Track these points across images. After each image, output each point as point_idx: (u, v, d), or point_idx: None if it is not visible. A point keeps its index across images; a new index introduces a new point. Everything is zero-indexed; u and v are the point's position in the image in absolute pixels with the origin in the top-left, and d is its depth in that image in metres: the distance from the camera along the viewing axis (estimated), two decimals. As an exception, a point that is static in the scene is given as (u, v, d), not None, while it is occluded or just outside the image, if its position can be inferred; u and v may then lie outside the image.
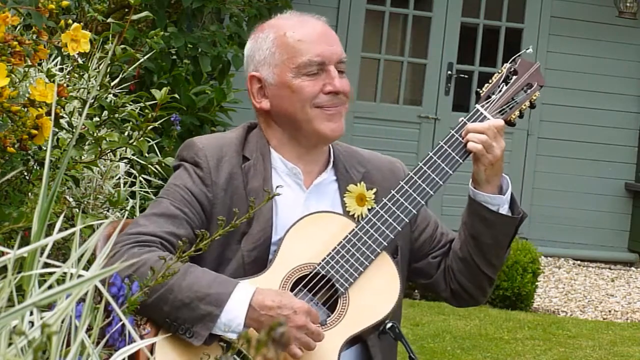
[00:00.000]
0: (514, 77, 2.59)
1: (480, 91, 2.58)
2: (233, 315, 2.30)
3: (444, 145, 2.53)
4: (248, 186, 2.50)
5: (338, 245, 2.46)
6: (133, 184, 4.34)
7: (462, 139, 2.53)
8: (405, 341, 2.44)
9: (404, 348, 2.46)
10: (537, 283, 7.37)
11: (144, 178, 4.41)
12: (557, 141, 9.45)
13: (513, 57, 2.62)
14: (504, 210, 2.56)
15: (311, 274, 2.44)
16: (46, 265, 1.62)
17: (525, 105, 2.59)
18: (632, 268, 9.43)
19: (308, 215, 2.49)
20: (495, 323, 6.66)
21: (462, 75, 9.48)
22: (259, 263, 2.45)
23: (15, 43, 2.54)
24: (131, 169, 4.29)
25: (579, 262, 9.37)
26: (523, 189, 9.35)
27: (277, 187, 2.43)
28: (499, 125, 2.52)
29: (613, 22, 9.45)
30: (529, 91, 2.59)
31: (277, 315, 2.31)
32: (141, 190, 4.36)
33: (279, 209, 2.51)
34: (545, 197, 9.45)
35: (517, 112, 2.58)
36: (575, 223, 9.55)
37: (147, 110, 3.42)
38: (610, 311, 7.63)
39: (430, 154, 2.53)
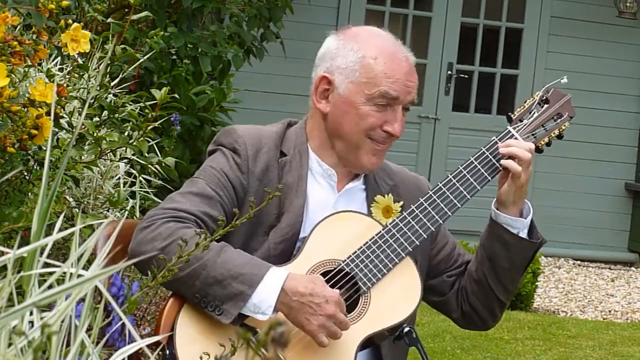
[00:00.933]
0: (546, 106, 2.66)
1: (512, 114, 2.65)
2: (264, 296, 2.33)
3: (474, 161, 2.58)
4: (282, 180, 2.53)
5: (364, 245, 2.49)
6: (133, 184, 4.34)
7: (494, 157, 2.58)
8: (421, 347, 2.46)
9: (419, 354, 2.47)
10: (537, 283, 7.37)
11: (144, 178, 4.41)
12: (557, 141, 9.43)
13: (546, 86, 2.69)
14: (524, 234, 2.61)
15: (335, 270, 2.47)
16: (46, 265, 1.62)
17: (553, 134, 2.66)
18: (632, 268, 9.43)
19: (336, 212, 2.53)
20: (495, 323, 6.65)
21: (462, 75, 9.48)
22: (284, 256, 2.49)
23: (15, 43, 2.54)
24: (131, 169, 4.29)
25: (579, 262, 9.37)
26: (523, 189, 9.34)
27: (279, 186, 2.44)
28: (533, 151, 2.60)
29: (613, 22, 9.45)
30: (558, 120, 2.66)
31: (309, 302, 2.34)
32: (141, 190, 4.36)
33: (309, 207, 2.55)
34: (545, 197, 9.45)
35: (545, 140, 2.66)
36: (575, 223, 9.55)
37: (147, 110, 3.42)
38: (610, 311, 7.63)
39: (460, 167, 2.58)
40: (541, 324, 6.76)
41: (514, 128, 2.62)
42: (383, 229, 2.51)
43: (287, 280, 2.35)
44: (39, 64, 3.05)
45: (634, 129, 9.66)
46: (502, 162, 2.56)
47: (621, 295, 8.16)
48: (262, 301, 2.32)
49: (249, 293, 2.31)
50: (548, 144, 2.67)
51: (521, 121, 2.63)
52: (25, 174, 2.92)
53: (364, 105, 2.53)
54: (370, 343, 2.48)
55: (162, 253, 2.28)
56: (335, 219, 2.51)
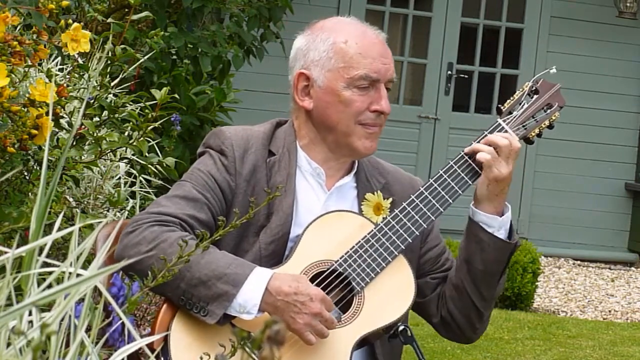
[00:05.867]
0: (535, 96, 2.63)
1: (502, 106, 2.63)
2: (249, 296, 2.32)
3: (465, 155, 2.56)
4: (271, 180, 2.52)
5: (356, 244, 2.48)
6: (133, 184, 4.35)
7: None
8: (416, 345, 2.45)
9: (414, 353, 2.46)
10: (537, 283, 7.37)
11: (144, 178, 4.41)
12: (557, 141, 9.45)
13: (535, 77, 2.67)
14: (500, 234, 2.56)
15: (328, 271, 2.46)
16: (45, 264, 1.62)
17: (544, 124, 2.63)
18: (632, 268, 9.43)
19: (328, 213, 2.51)
20: (495, 323, 6.66)
21: (462, 75, 9.48)
22: (275, 257, 2.47)
23: (15, 43, 2.54)
24: (131, 169, 4.29)
25: (579, 262, 9.37)
26: (523, 189, 9.35)
27: (278, 187, 2.44)
28: (516, 146, 2.53)
29: (613, 22, 9.45)
30: (549, 111, 2.64)
31: (293, 301, 2.33)
32: (141, 190, 4.36)
33: (299, 206, 2.53)
34: (545, 197, 9.45)
35: (536, 131, 2.62)
36: (575, 223, 9.55)
37: (147, 110, 3.42)
38: (610, 311, 7.63)
39: (451, 162, 2.56)
40: (541, 324, 6.76)
41: (504, 120, 2.59)
42: (375, 228, 2.49)
43: (271, 280, 2.34)
44: (39, 64, 3.05)
45: (634, 129, 9.66)
46: (478, 154, 2.52)
47: (621, 295, 8.16)
48: (247, 301, 2.31)
49: (233, 293, 2.31)
50: (539, 135, 2.63)
51: (511, 113, 2.60)
52: (25, 174, 2.92)
53: (345, 91, 2.51)
54: (365, 342, 2.47)
55: (147, 257, 2.28)
56: (327, 218, 2.50)
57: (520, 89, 2.64)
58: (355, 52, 2.52)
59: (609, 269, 9.27)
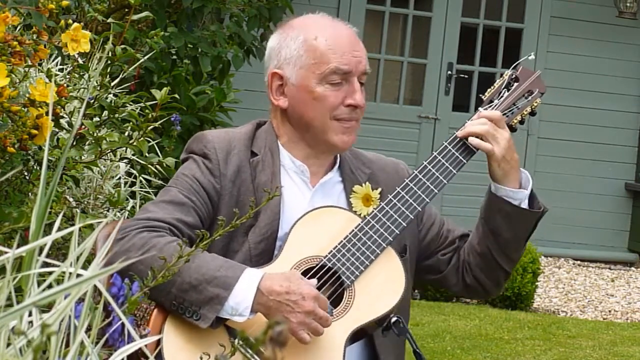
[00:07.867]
0: (516, 84, 2.64)
1: (483, 96, 2.64)
2: (241, 298, 2.31)
3: (448, 145, 2.57)
4: (256, 180, 2.53)
5: (344, 239, 2.48)
6: (133, 184, 4.35)
7: (466, 140, 2.57)
8: (410, 336, 2.45)
9: (409, 344, 2.47)
10: (537, 283, 7.38)
11: (144, 178, 4.41)
12: (557, 141, 9.45)
13: (514, 64, 2.66)
14: (525, 204, 2.59)
15: (317, 267, 2.46)
16: (45, 264, 1.62)
17: (526, 111, 2.64)
18: (632, 268, 9.43)
19: (315, 209, 2.52)
20: (495, 323, 6.66)
21: (462, 75, 9.49)
22: (265, 255, 2.48)
23: (15, 43, 2.55)
24: (131, 169, 4.29)
25: (579, 262, 9.37)
26: (523, 189, 9.34)
27: (276, 187, 2.44)
28: (496, 118, 2.55)
29: (613, 22, 9.46)
30: (529, 98, 2.64)
31: (286, 301, 2.33)
32: (141, 190, 4.36)
33: (285, 205, 2.54)
34: (545, 197, 9.39)
35: (518, 118, 2.64)
36: (575, 223, 9.55)
37: (147, 110, 3.42)
38: (610, 311, 7.63)
39: (435, 153, 2.57)
40: (541, 324, 6.77)
41: (485, 109, 2.60)
42: (362, 221, 2.50)
43: (263, 280, 2.33)
44: (39, 64, 3.05)
45: (634, 129, 9.66)
46: (469, 141, 2.54)
47: (621, 295, 8.16)
48: (239, 303, 2.31)
49: (225, 296, 2.30)
50: (522, 122, 2.65)
51: (492, 102, 2.62)
52: (25, 174, 2.92)
53: (318, 87, 2.53)
54: (360, 335, 2.48)
55: (137, 263, 2.28)
56: (315, 215, 2.51)
57: (501, 78, 2.65)
58: (325, 47, 2.54)
59: (609, 269, 9.27)
